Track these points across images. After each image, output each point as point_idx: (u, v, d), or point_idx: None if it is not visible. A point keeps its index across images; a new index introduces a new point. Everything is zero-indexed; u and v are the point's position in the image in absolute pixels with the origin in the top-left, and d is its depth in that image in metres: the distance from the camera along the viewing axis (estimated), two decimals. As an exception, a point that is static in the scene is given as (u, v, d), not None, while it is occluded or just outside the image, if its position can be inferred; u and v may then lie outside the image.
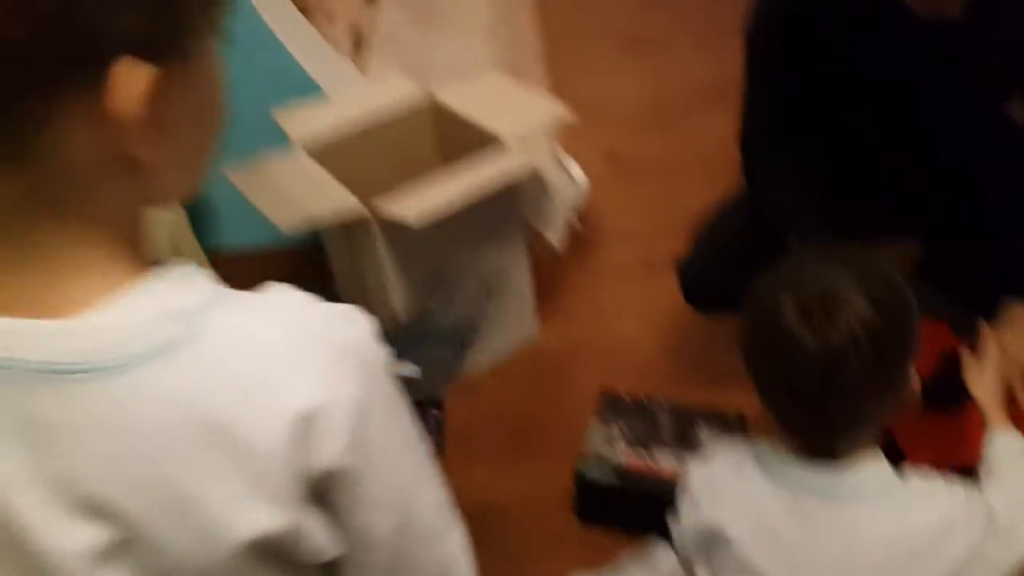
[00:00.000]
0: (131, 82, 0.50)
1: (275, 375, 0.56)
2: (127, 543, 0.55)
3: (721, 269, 1.80)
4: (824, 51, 1.49)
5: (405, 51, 3.67)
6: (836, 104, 1.54)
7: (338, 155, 1.98)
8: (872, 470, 1.10)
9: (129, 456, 0.53)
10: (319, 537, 0.59)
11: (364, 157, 2.05)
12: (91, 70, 0.49)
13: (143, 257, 0.58)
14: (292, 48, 2.27)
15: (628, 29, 3.56)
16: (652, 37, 3.50)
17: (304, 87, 2.24)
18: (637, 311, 2.28)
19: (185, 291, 0.56)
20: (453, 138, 2.10)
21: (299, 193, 1.80)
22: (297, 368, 0.56)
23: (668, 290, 1.99)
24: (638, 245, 2.53)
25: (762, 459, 1.13)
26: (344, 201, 1.78)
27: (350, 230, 1.88)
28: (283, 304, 0.59)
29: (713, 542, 1.16)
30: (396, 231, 1.78)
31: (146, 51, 0.50)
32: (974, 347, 1.40)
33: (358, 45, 3.75)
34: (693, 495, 1.22)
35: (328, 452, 0.57)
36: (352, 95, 2.21)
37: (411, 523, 0.63)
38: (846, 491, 1.08)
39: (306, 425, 0.55)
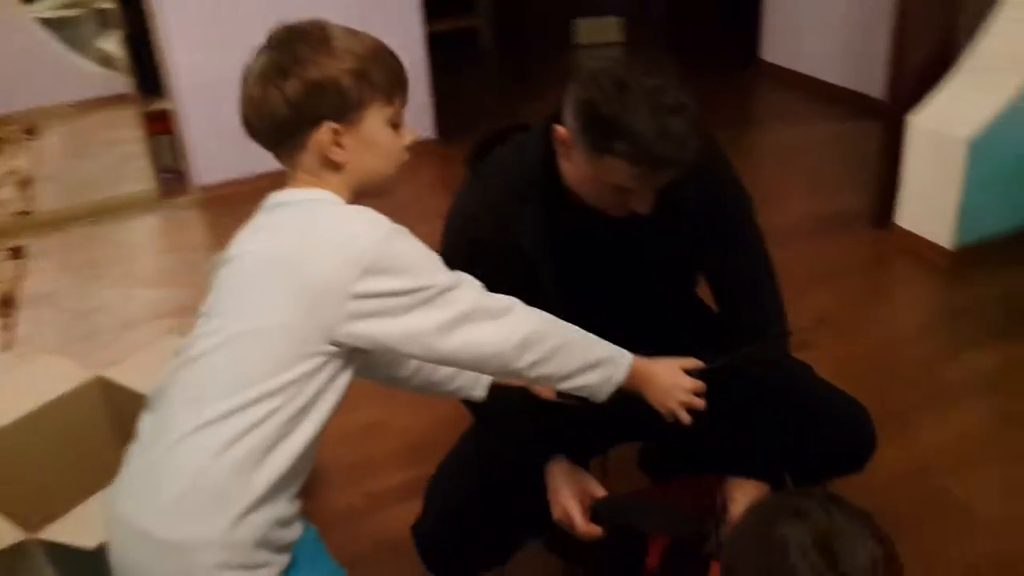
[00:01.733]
0: (327, 129, 1.21)
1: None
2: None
3: (460, 529, 1.61)
4: (520, 263, 1.51)
5: (60, 309, 3.32)
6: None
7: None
8: None
9: (274, 233, 1.23)
10: None
11: (25, 451, 1.71)
12: (313, 127, 1.22)
13: (350, 197, 1.26)
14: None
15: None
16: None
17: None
18: (360, 555, 2.06)
19: (324, 202, 1.23)
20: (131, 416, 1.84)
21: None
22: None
23: (401, 525, 1.75)
24: (358, 481, 2.33)
25: None
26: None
27: (4, 555, 1.53)
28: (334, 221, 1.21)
29: None
30: (65, 553, 1.49)
31: (334, 119, 1.21)
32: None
33: (6, 306, 3.36)
34: None
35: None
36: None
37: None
38: None
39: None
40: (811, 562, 0.91)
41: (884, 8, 3.87)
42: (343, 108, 1.21)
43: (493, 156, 1.59)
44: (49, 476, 1.59)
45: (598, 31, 6.01)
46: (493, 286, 1.44)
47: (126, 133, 4.28)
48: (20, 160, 4.66)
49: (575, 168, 1.44)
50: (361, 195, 1.27)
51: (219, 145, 3.89)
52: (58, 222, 3.96)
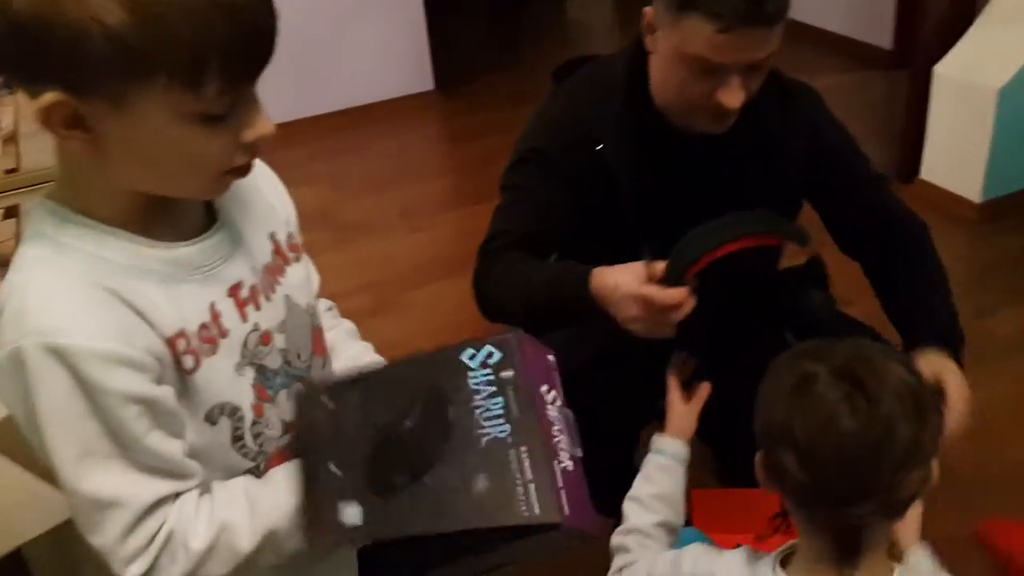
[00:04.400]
0: (51, 99, 0.76)
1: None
2: None
3: None
4: (599, 173, 1.47)
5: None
6: (608, 224, 1.49)
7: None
8: None
9: None
10: None
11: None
12: (30, 85, 0.78)
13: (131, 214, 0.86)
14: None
15: (331, 215, 3.34)
16: (359, 219, 3.32)
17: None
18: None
19: (40, 235, 0.85)
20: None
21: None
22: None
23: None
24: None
25: None
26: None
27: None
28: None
29: None
30: None
31: (61, 86, 0.76)
32: None
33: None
34: None
35: None
36: None
37: None
38: None
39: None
40: (838, 389, 0.92)
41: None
42: (76, 75, 0.75)
43: (580, 71, 1.56)
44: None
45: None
46: (564, 197, 1.44)
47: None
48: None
49: (661, 60, 1.40)
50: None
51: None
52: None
